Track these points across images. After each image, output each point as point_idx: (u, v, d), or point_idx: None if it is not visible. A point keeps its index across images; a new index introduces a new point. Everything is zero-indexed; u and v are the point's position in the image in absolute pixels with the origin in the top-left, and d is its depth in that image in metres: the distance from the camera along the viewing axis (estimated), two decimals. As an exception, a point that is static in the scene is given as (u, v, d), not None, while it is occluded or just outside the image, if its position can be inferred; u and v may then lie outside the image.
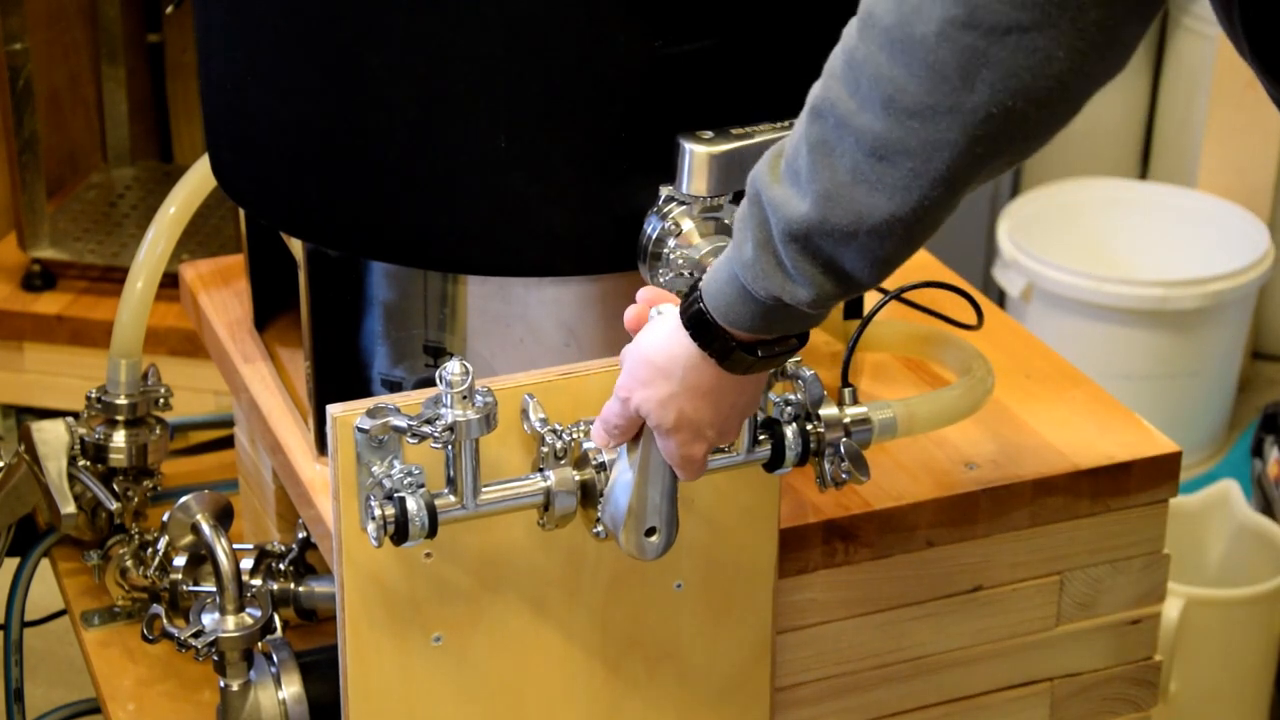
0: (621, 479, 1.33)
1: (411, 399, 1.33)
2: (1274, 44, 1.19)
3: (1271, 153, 3.17)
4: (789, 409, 1.39)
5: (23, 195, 2.88)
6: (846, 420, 1.40)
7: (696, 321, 1.24)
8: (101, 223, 3.03)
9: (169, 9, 2.97)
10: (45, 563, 1.98)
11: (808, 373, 1.39)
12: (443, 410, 1.29)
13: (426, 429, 1.29)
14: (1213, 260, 3.03)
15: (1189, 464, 3.05)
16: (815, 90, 1.14)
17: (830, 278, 1.16)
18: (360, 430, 1.31)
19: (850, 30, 1.11)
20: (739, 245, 1.19)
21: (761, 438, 1.39)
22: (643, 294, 1.32)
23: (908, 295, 1.55)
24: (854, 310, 1.68)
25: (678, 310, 1.26)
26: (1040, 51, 1.04)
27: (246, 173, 1.56)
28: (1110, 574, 1.62)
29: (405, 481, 1.31)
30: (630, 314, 1.32)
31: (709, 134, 1.40)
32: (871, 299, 1.68)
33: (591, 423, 1.35)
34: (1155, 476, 1.60)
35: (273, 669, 1.56)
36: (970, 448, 1.59)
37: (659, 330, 1.27)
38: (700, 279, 1.24)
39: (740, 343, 1.23)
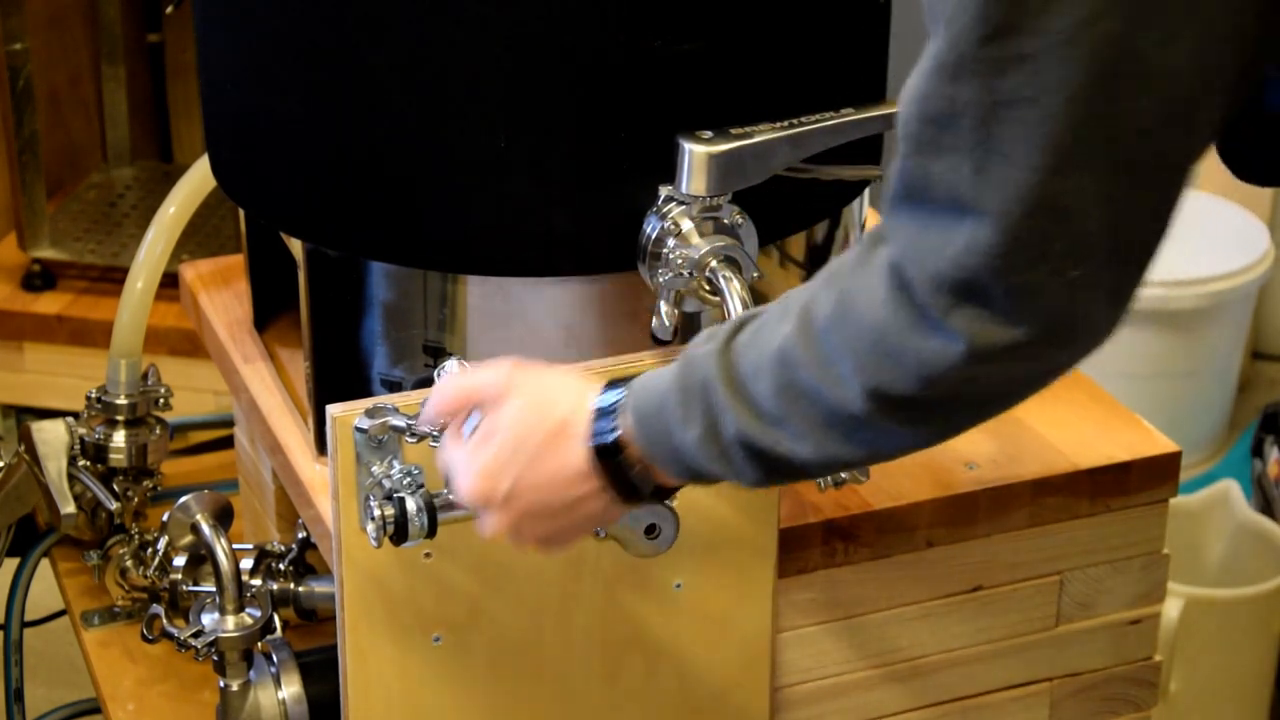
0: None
1: (411, 399, 1.33)
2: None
3: (1272, 153, 3.16)
4: (789, 409, 1.39)
5: (23, 195, 2.88)
6: (846, 420, 1.40)
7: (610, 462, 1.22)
8: (101, 223, 3.03)
9: (169, 9, 2.97)
10: (45, 563, 1.98)
11: (807, 373, 1.39)
12: (442, 410, 1.29)
13: (425, 428, 1.29)
14: (1213, 260, 3.03)
15: (1189, 464, 3.05)
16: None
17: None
18: (359, 430, 1.31)
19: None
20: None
21: (761, 438, 1.39)
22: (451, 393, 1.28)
23: (907, 295, 1.55)
24: (854, 310, 1.68)
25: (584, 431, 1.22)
26: None
27: (246, 173, 1.56)
28: (1110, 574, 1.62)
29: (404, 481, 1.31)
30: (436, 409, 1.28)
31: (708, 134, 1.40)
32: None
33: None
34: (1155, 476, 1.60)
35: (272, 669, 1.56)
36: (970, 448, 1.59)
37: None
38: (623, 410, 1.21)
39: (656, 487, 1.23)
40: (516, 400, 1.24)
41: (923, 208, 1.05)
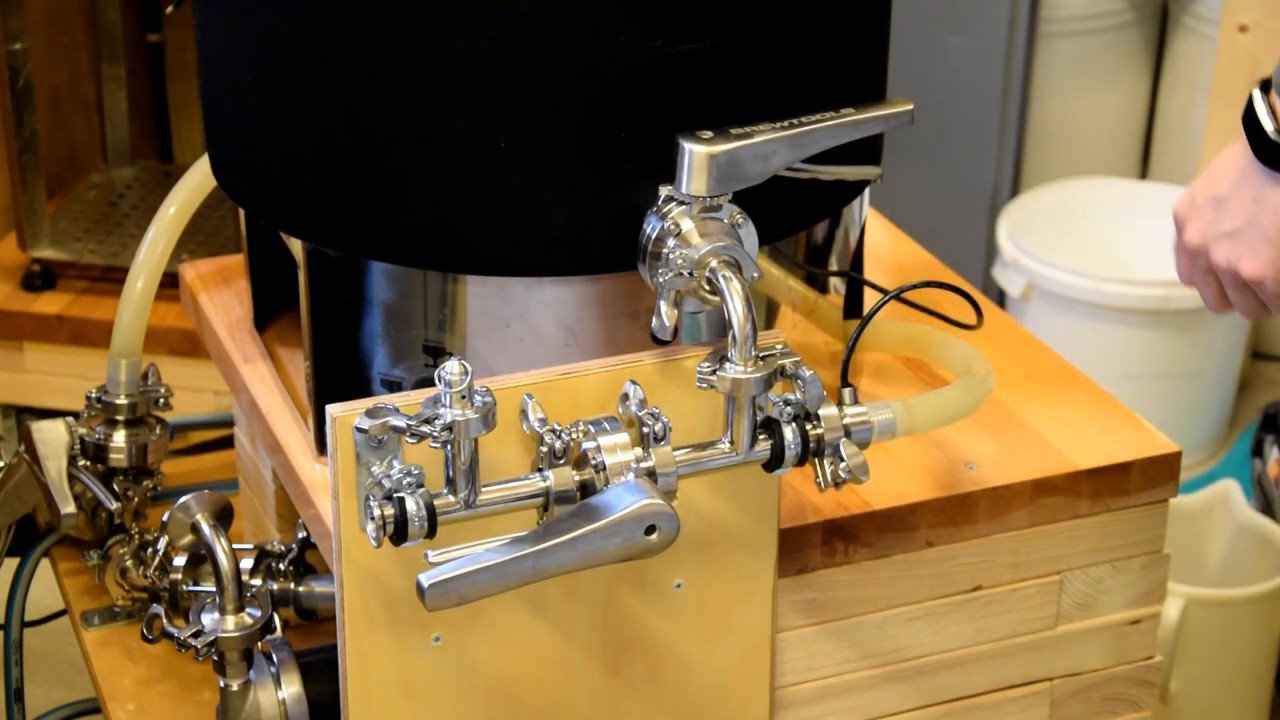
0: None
1: (411, 399, 1.33)
2: None
3: (1271, 153, 3.16)
4: (788, 409, 1.39)
5: (23, 195, 2.88)
6: (846, 420, 1.40)
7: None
8: (101, 223, 3.04)
9: (169, 9, 2.98)
10: (45, 563, 1.98)
11: (807, 373, 1.39)
12: (441, 410, 1.29)
13: (425, 429, 1.29)
14: (1213, 260, 3.03)
15: (1189, 464, 3.05)
16: None
17: None
18: (359, 430, 1.31)
19: None
20: None
21: (761, 437, 1.39)
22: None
23: (908, 295, 1.55)
24: (854, 310, 1.68)
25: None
26: None
27: (246, 173, 1.56)
28: (1110, 574, 1.62)
29: (404, 481, 1.31)
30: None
31: (709, 134, 1.40)
32: (871, 299, 1.68)
33: (592, 422, 1.35)
34: (1155, 476, 1.60)
35: (272, 669, 1.56)
36: (970, 448, 1.59)
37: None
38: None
39: None
40: None
41: None
